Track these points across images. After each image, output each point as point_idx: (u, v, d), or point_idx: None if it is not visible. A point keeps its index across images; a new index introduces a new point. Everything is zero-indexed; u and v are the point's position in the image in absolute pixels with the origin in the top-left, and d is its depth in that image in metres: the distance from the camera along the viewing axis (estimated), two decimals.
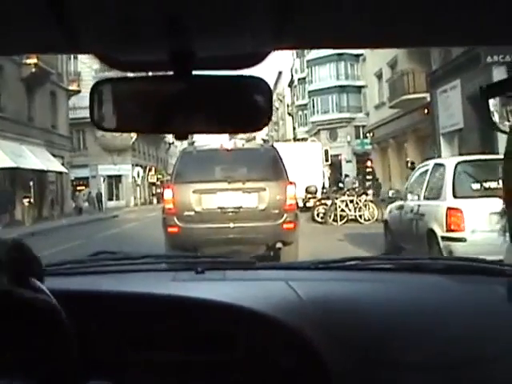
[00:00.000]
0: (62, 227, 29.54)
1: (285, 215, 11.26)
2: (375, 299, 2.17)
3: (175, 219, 11.24)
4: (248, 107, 1.41)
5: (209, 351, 1.98)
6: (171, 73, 1.33)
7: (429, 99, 29.42)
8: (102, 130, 1.44)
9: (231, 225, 10.90)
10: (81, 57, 49.21)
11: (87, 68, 52.46)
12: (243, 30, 1.22)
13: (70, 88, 46.04)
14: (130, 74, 1.43)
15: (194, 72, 1.33)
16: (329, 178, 36.06)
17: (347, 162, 58.31)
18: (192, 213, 11.23)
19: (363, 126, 54.30)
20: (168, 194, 11.44)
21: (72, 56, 51.85)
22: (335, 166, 48.50)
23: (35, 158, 35.54)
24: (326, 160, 33.43)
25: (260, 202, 11.25)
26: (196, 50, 1.28)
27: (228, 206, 11.21)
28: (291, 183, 11.55)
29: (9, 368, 1.46)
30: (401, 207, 11.91)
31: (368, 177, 35.95)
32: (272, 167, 11.68)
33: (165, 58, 1.28)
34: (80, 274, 2.52)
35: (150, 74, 1.45)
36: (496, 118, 1.37)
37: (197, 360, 1.98)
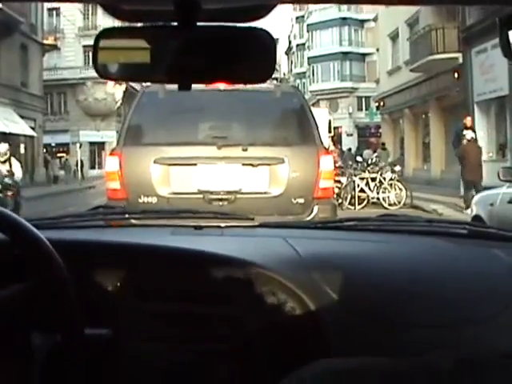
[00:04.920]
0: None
1: (315, 208, 7.22)
2: (371, 259, 2.25)
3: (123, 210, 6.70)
4: (252, 58, 1.47)
5: (206, 303, 2.06)
6: (175, 24, 1.40)
7: (461, 60, 26.97)
8: (104, 78, 1.52)
9: (222, 224, 6.17)
10: (65, 13, 48.93)
11: (71, 25, 52.09)
12: None
13: (46, 42, 45.29)
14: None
15: (199, 23, 1.39)
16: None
17: (348, 135, 59.71)
18: (153, 199, 7.20)
19: (367, 97, 55.55)
20: (112, 164, 7.37)
21: (54, 12, 52.03)
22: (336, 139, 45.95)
23: None
24: (329, 131, 30.06)
25: (273, 182, 7.36)
26: (200, 1, 1.35)
27: (216, 190, 7.33)
28: (327, 151, 7.72)
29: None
30: None
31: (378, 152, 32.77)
32: (295, 123, 7.73)
33: (169, 8, 1.35)
34: (79, 227, 2.65)
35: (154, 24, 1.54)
36: None
37: (194, 312, 2.06)
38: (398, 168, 21.61)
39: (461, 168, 18.23)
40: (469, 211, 16.39)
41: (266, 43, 1.46)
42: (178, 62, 1.45)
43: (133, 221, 2.81)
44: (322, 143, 7.52)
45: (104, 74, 1.48)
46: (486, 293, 2.03)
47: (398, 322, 1.92)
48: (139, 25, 1.52)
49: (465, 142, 18.15)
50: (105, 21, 35.85)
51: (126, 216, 2.90)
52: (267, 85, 8.32)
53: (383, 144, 33.34)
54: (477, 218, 10.21)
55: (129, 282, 2.11)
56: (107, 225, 2.84)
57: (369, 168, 21.13)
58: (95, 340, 1.92)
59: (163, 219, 2.94)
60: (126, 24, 1.49)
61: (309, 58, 63.86)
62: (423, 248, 2.44)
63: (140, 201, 7.11)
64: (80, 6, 49.11)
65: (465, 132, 18.51)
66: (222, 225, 2.69)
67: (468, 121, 17.93)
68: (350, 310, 1.96)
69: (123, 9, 1.42)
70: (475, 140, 18.43)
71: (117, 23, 1.49)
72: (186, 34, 1.41)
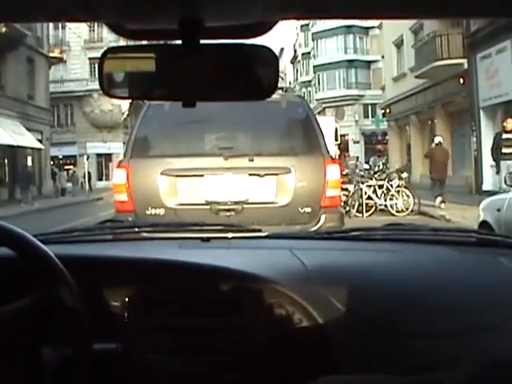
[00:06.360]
0: (30, 212, 27.32)
1: (322, 217, 7.11)
2: (378, 269, 2.27)
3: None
4: (255, 76, 1.50)
5: (214, 316, 2.08)
6: (179, 42, 1.42)
7: (466, 66, 26.88)
8: (110, 97, 1.54)
9: (229, 235, 6.05)
10: (71, 25, 49.36)
11: (77, 38, 52.21)
12: None
13: (51, 55, 45.35)
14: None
15: (202, 41, 1.41)
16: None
17: (354, 142, 59.96)
18: (161, 211, 7.07)
19: (373, 104, 55.17)
20: (120, 176, 7.25)
21: (60, 25, 52.33)
22: (343, 146, 45.83)
23: (3, 131, 33.73)
24: (336, 139, 29.99)
25: (280, 192, 7.26)
26: (204, 19, 1.36)
27: (223, 200, 7.23)
28: (334, 161, 7.52)
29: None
30: None
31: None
32: (301, 133, 7.55)
33: (173, 26, 1.36)
34: (88, 241, 2.66)
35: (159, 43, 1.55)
36: None
37: (201, 325, 2.08)
38: (405, 175, 21.22)
39: (429, 167, 21.49)
40: (442, 205, 19.72)
41: (268, 60, 1.47)
42: (182, 80, 1.46)
43: (141, 234, 2.83)
44: (328, 152, 7.40)
45: (110, 92, 1.50)
46: (492, 302, 2.03)
47: (406, 332, 1.93)
48: (144, 43, 1.52)
49: (433, 145, 21.92)
50: (110, 34, 36.02)
51: (134, 230, 2.91)
52: (274, 96, 8.29)
53: (380, 151, 33.43)
54: (484, 223, 9.97)
55: (137, 297, 2.13)
56: (115, 239, 2.84)
57: (376, 175, 20.92)
58: (104, 354, 1.93)
59: (171, 232, 2.94)
60: (131, 42, 1.50)
61: (314, 67, 63.74)
62: (430, 257, 2.44)
63: (148, 213, 7.01)
64: None
65: (436, 139, 21.92)
66: (229, 236, 2.69)
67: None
68: (357, 320, 1.97)
69: (128, 28, 1.44)
70: (441, 144, 21.73)
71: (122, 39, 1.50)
72: (190, 52, 1.42)
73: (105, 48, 1.54)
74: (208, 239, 2.60)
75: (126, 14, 1.36)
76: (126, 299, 2.12)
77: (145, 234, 2.84)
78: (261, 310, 2.07)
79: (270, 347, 2.04)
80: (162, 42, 1.51)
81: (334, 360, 1.95)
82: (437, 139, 22.16)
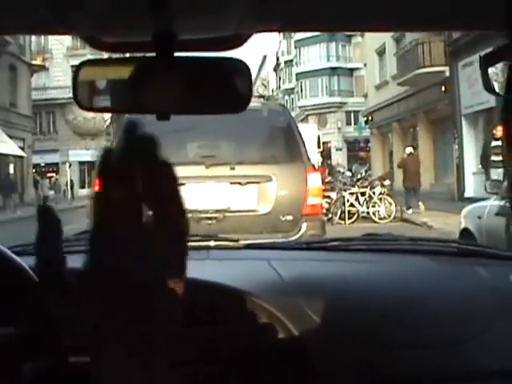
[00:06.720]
0: (13, 220, 27.92)
1: (304, 225, 7.16)
2: (356, 280, 2.26)
3: None
4: (228, 89, 1.50)
5: (189, 328, 1.97)
6: (153, 54, 1.42)
7: (448, 74, 27.15)
8: (85, 110, 1.53)
9: (211, 243, 6.07)
10: None
11: (59, 45, 51.97)
12: (225, 12, 1.30)
13: (34, 62, 45.70)
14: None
15: (176, 54, 1.42)
16: (318, 168, 33.49)
17: (337, 149, 59.28)
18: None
19: (355, 112, 55.16)
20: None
21: None
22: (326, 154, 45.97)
23: None
24: (318, 146, 30.17)
25: (261, 200, 7.36)
26: (178, 32, 1.38)
27: (205, 209, 7.27)
28: (314, 169, 7.66)
29: None
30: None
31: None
32: (283, 141, 7.62)
33: (147, 39, 1.36)
34: (66, 253, 2.22)
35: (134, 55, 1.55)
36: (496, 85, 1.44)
37: (177, 337, 1.88)
38: (387, 182, 21.59)
39: (403, 177, 22.54)
40: (410, 211, 20.60)
41: (242, 73, 1.47)
42: (156, 93, 1.46)
43: None
44: (309, 160, 7.49)
45: (84, 105, 1.49)
46: (470, 313, 2.03)
47: (386, 343, 1.92)
48: (119, 55, 1.52)
49: (405, 155, 23.29)
50: None
51: None
52: (254, 103, 8.29)
53: (362, 159, 33.64)
54: (465, 231, 10.14)
55: (113, 309, 2.01)
56: None
57: (358, 183, 21.18)
58: (80, 368, 1.88)
59: None
60: (106, 55, 1.51)
61: (297, 74, 63.79)
62: (409, 267, 2.44)
63: None
64: None
65: (407, 149, 23.39)
66: (209, 246, 2.69)
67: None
68: (334, 332, 1.96)
69: (103, 40, 1.44)
70: (413, 154, 23.14)
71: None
72: (164, 64, 1.42)
73: (87, 56, 1.52)
74: None
75: (100, 27, 1.36)
76: (103, 311, 2.00)
77: None
78: (237, 323, 2.05)
79: (246, 360, 2.01)
80: (137, 55, 1.51)
81: (311, 372, 1.93)
82: (408, 150, 23.72)
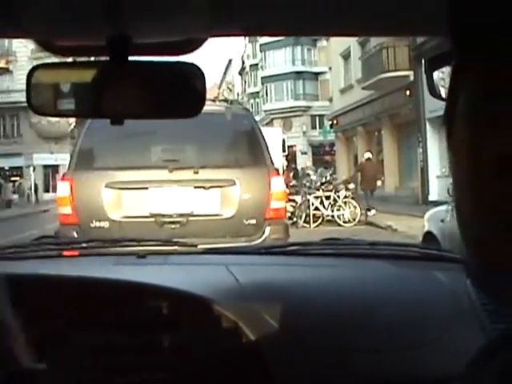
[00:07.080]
0: None
1: (267, 229, 7.16)
2: (315, 285, 2.26)
3: (75, 235, 6.80)
4: (182, 93, 1.51)
5: (148, 335, 2.05)
6: (108, 58, 1.40)
7: (412, 78, 27.22)
8: (38, 114, 1.51)
9: (170, 248, 6.11)
10: None
11: (23, 48, 51.67)
12: (180, 16, 1.29)
13: None
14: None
15: (131, 58, 1.40)
16: (283, 171, 33.48)
17: (302, 153, 58.79)
18: (105, 224, 7.01)
19: (320, 116, 54.86)
20: (63, 189, 7.17)
21: None
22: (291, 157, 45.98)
23: None
24: (283, 150, 30.08)
25: (225, 204, 7.32)
26: (132, 36, 1.35)
27: (168, 213, 7.23)
28: (277, 173, 7.58)
29: None
30: None
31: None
32: (246, 145, 7.63)
33: (101, 43, 1.34)
34: (22, 258, 2.63)
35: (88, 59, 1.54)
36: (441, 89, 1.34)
37: (135, 344, 2.05)
38: (351, 186, 21.81)
39: (360, 180, 23.11)
40: (371, 212, 21.43)
41: (196, 77, 1.47)
42: (110, 97, 1.45)
43: (76, 251, 2.80)
44: (273, 164, 7.49)
45: (37, 110, 1.48)
46: (428, 317, 2.03)
47: (345, 347, 1.92)
48: (71, 60, 1.51)
49: (363, 160, 24.27)
50: None
51: (70, 246, 2.89)
52: (218, 107, 8.30)
53: (327, 162, 33.81)
54: (429, 234, 10.13)
55: (70, 315, 2.07)
56: (50, 255, 2.74)
57: (323, 186, 21.31)
58: (34, 374, 1.78)
59: (107, 248, 2.91)
60: (59, 59, 1.48)
61: (262, 78, 63.62)
62: (369, 272, 2.42)
63: (92, 225, 6.96)
64: None
65: (365, 155, 24.71)
66: (166, 251, 2.69)
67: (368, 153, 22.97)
68: (293, 337, 1.95)
69: (57, 44, 1.41)
70: (370, 159, 24.11)
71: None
72: (118, 68, 1.42)
73: (52, 59, 1.51)
74: (144, 255, 2.55)
75: (54, 30, 1.34)
76: (59, 317, 2.05)
77: (80, 251, 2.81)
78: (195, 328, 2.04)
79: (204, 365, 2.00)
80: (91, 59, 1.49)
81: (269, 379, 1.93)
82: (366, 155, 24.52)
